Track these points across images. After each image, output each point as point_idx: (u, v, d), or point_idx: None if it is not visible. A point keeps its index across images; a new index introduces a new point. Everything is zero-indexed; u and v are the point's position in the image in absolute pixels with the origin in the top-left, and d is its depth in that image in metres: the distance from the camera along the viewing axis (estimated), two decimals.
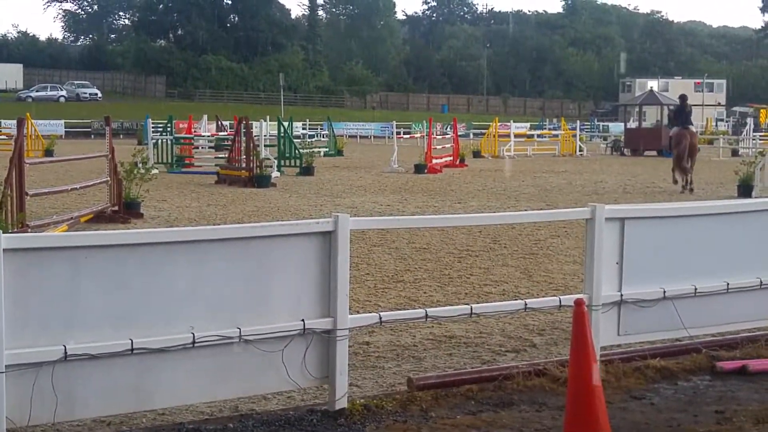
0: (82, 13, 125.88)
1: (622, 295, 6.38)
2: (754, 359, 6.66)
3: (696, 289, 6.65)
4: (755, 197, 19.54)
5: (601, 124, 75.43)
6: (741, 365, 6.50)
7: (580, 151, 43.95)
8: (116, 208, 15.68)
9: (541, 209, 17.10)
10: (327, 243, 5.47)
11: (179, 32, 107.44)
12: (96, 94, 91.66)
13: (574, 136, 45.37)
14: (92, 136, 59.79)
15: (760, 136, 46.74)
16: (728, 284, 6.79)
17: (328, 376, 5.52)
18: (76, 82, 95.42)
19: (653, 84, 74.84)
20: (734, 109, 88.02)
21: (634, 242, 6.41)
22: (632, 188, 23.00)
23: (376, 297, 9.07)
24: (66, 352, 4.73)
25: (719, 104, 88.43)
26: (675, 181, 22.72)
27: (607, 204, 6.56)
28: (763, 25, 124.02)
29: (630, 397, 5.92)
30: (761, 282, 6.94)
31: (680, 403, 5.82)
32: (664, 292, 6.50)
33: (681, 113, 23.56)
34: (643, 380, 6.22)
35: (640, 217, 6.55)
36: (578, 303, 4.44)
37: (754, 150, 33.40)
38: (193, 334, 5.07)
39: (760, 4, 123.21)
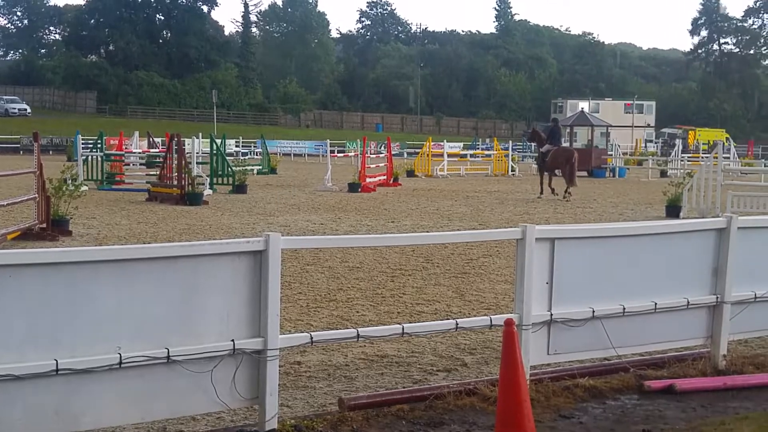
0: (12, 27, 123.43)
1: (551, 314, 6.44)
2: (681, 378, 6.78)
3: (624, 308, 6.74)
4: (683, 218, 19.98)
5: (534, 144, 76.39)
6: (668, 384, 6.61)
7: (512, 171, 44.47)
8: (44, 225, 15.36)
9: (473, 229, 17.23)
10: (258, 262, 5.42)
11: (111, 48, 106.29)
12: (25, 110, 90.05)
13: (507, 156, 45.90)
14: (21, 152, 58.61)
15: (689, 157, 47.85)
16: (656, 304, 6.89)
17: (258, 396, 5.46)
18: (5, 97, 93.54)
19: (584, 105, 76.14)
20: (663, 130, 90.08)
21: (564, 262, 6.48)
22: (563, 209, 23.31)
23: (309, 316, 9.02)
24: None
25: (648, 125, 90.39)
26: (551, 191, 26.40)
27: (537, 225, 6.63)
28: (692, 47, 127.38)
29: (559, 416, 5.97)
30: (688, 302, 7.06)
31: (608, 422, 5.89)
32: (593, 311, 6.58)
33: (555, 134, 27.67)
34: (572, 399, 6.28)
35: (569, 237, 6.62)
36: (508, 323, 4.47)
37: (682, 171, 34.18)
38: (120, 354, 4.98)
39: (690, 27, 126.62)
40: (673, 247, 7.10)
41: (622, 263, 6.81)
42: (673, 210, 21.38)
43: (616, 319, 6.72)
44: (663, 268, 7.01)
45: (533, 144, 30.81)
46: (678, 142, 57.06)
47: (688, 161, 44.41)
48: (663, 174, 42.91)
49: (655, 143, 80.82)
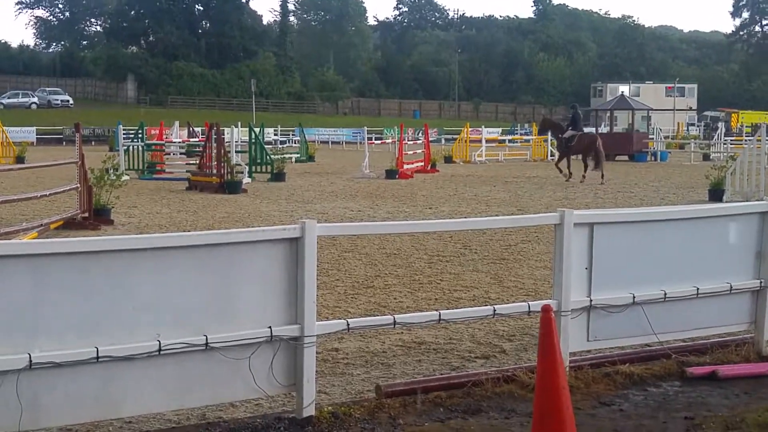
0: (54, 19, 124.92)
1: (591, 300, 6.37)
2: (724, 365, 6.67)
3: (666, 294, 6.64)
4: (726, 201, 19.70)
5: (589, 130, 75.59)
6: (711, 371, 6.51)
7: (551, 156, 44.11)
8: (86, 214, 15.53)
9: (512, 214, 17.13)
10: (294, 249, 5.42)
11: (151, 38, 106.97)
12: (68, 101, 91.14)
13: (546, 141, 45.55)
14: (64, 142, 59.32)
15: (731, 140, 47.15)
16: (698, 289, 6.79)
17: (295, 383, 5.47)
18: (47, 88, 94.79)
19: (624, 89, 75.33)
20: (705, 113, 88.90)
21: (603, 247, 6.40)
22: (603, 194, 23.10)
23: (346, 303, 9.02)
24: (31, 361, 4.66)
25: (690, 108, 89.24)
26: (569, 175, 27.48)
27: (576, 209, 6.55)
28: (734, 29, 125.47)
29: (599, 403, 5.91)
30: (731, 287, 6.95)
31: (649, 410, 5.81)
32: (634, 297, 6.50)
33: (577, 120, 28.60)
34: (613, 386, 6.21)
35: (609, 222, 6.54)
36: (545, 309, 4.42)
37: (725, 154, 33.70)
38: (159, 341, 5.01)
39: (731, 9, 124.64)
40: (715, 231, 6.99)
41: (663, 248, 6.71)
42: (715, 194, 21.09)
43: (657, 305, 6.63)
44: (705, 252, 6.90)
45: (545, 132, 31.20)
46: (720, 125, 56.28)
47: (731, 144, 43.80)
48: (706, 157, 42.32)
49: (697, 126, 79.73)
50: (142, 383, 5.04)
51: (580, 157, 27.98)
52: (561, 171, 28.00)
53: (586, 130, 43.23)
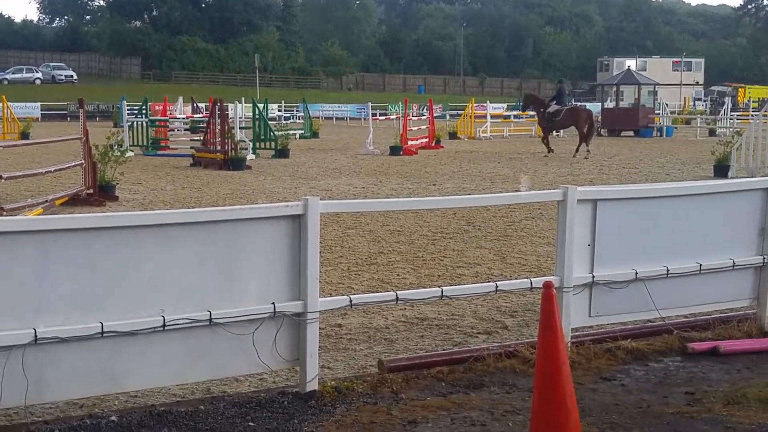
0: None
1: (593, 276, 6.38)
2: (725, 340, 6.70)
3: (668, 270, 6.66)
4: (731, 177, 19.67)
5: (579, 104, 75.27)
6: (712, 346, 6.54)
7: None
8: (91, 191, 15.58)
9: (516, 191, 17.13)
10: (297, 226, 5.44)
11: (154, 13, 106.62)
12: (72, 76, 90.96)
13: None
14: (68, 118, 59.25)
15: (738, 115, 46.96)
16: (701, 265, 6.80)
17: (299, 358, 5.51)
18: (51, 64, 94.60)
19: (631, 63, 75.11)
20: (712, 88, 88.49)
21: (606, 224, 6.41)
22: (608, 169, 23.08)
23: (350, 279, 9.06)
24: (36, 336, 4.70)
25: (697, 83, 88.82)
26: (551, 150, 27.92)
27: (581, 185, 6.56)
28: (742, 3, 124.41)
29: (600, 378, 5.94)
30: (734, 263, 6.96)
31: (650, 385, 5.85)
32: (636, 273, 6.52)
33: (562, 94, 28.96)
34: (614, 361, 6.25)
35: (612, 199, 6.55)
36: (547, 285, 4.44)
37: (731, 130, 33.57)
38: (164, 317, 5.05)
39: None
40: (718, 207, 6.99)
41: (666, 224, 6.72)
42: (721, 169, 21.06)
43: (659, 281, 6.65)
44: (708, 228, 6.90)
45: (529, 108, 31.30)
46: (727, 100, 55.88)
47: (738, 120, 43.63)
48: (712, 133, 42.19)
49: (704, 101, 79.40)
50: (147, 358, 5.08)
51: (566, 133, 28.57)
52: (549, 148, 28.24)
53: (589, 105, 43.19)
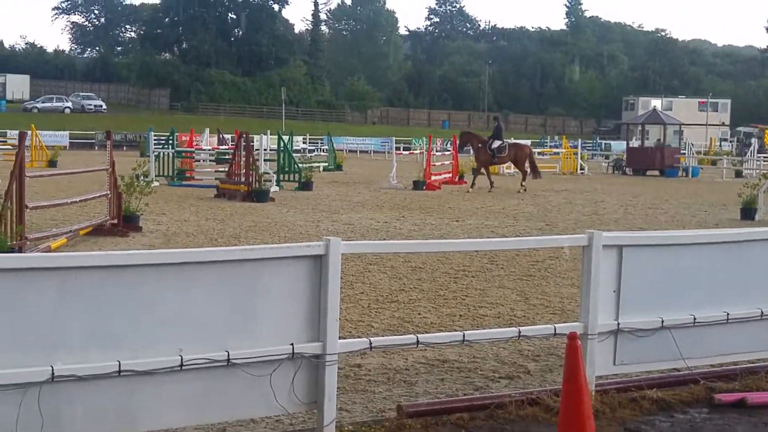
0: (89, 25, 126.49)
1: (618, 324, 6.27)
2: (753, 392, 6.54)
3: (695, 318, 6.54)
4: (758, 221, 19.45)
5: (603, 142, 75.04)
6: (740, 398, 6.38)
7: (581, 169, 43.85)
8: (115, 221, 15.61)
9: (540, 229, 17.02)
10: (318, 267, 5.38)
11: (184, 46, 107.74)
12: (101, 106, 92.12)
13: (576, 154, 45.29)
14: (96, 147, 59.83)
15: (765, 157, 46.61)
16: (728, 314, 6.67)
17: (316, 401, 5.42)
18: (81, 93, 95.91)
19: (657, 103, 74.93)
20: (738, 129, 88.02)
21: (632, 270, 6.30)
22: (633, 209, 22.90)
23: (370, 317, 8.97)
24: (53, 373, 4.65)
25: (723, 124, 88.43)
26: (491, 184, 28.80)
27: (605, 230, 6.46)
28: None
29: (625, 429, 5.80)
30: (762, 312, 6.82)
31: None
32: (662, 321, 6.40)
33: (500, 131, 29.98)
34: (639, 411, 6.11)
35: (638, 245, 6.44)
36: (572, 337, 4.34)
37: (758, 171, 33.27)
38: (181, 356, 4.99)
39: (766, 24, 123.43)
40: (746, 255, 6.86)
41: (693, 271, 6.60)
42: (747, 212, 20.83)
43: (686, 330, 6.52)
44: (736, 277, 6.78)
45: (466, 146, 31.37)
46: (754, 141, 55.57)
47: (764, 161, 43.30)
48: (738, 174, 41.88)
49: (730, 142, 78.96)
50: (163, 398, 5.02)
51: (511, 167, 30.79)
52: (474, 184, 28.67)
53: (614, 143, 43.04)
